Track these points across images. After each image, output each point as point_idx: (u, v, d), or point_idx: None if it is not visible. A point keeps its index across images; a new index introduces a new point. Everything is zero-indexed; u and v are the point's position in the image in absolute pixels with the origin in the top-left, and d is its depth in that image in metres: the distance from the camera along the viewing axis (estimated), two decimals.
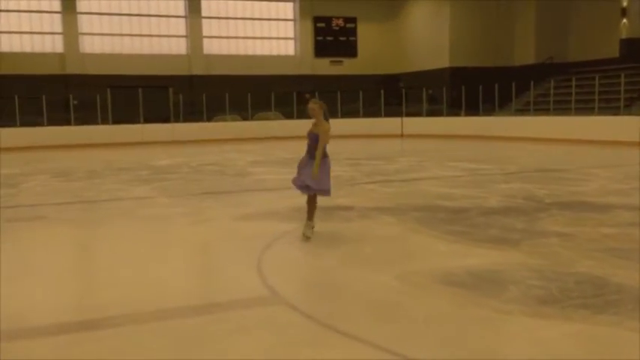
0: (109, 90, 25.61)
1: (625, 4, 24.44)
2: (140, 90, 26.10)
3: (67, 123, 24.96)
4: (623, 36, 24.68)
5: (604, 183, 10.03)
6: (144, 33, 28.59)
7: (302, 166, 6.37)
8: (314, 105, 6.36)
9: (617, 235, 6.06)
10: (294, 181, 6.41)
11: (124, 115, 25.47)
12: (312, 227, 6.36)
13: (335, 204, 8.55)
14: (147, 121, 26.01)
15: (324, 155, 6.31)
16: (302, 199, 9.15)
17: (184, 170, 14.09)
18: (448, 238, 6.15)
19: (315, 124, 6.43)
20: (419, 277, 4.78)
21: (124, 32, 28.26)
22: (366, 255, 5.68)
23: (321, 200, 8.92)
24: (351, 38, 31.87)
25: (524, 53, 27.89)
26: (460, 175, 11.70)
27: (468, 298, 4.26)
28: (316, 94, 28.57)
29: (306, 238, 6.20)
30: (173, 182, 11.77)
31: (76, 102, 25.50)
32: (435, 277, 4.75)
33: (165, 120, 26.96)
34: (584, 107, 21.26)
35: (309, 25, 31.14)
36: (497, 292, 4.32)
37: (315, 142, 6.28)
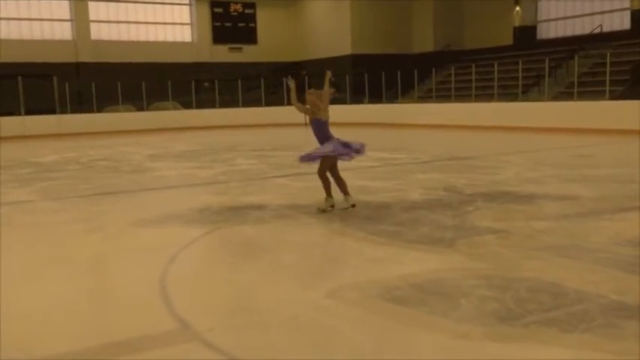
0: None
1: None
2: (20, 79, 23.77)
3: None
4: (517, 24, 25.42)
5: (518, 171, 9.88)
6: (23, 16, 26.07)
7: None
8: (312, 97, 6.80)
9: (552, 231, 5.70)
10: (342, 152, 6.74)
11: (1, 107, 23.09)
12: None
13: (246, 202, 7.78)
14: (29, 112, 23.75)
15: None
16: (206, 199, 8.31)
17: (73, 167, 12.71)
18: (377, 240, 5.54)
19: (315, 112, 6.75)
20: (355, 293, 4.11)
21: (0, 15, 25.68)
22: (288, 265, 4.95)
23: (229, 199, 8.12)
24: (251, 24, 30.86)
25: (423, 41, 28.13)
26: (374, 166, 11.21)
27: (417, 318, 3.65)
28: (215, 81, 27.42)
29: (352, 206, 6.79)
30: (59, 182, 10.46)
31: None
32: (374, 293, 4.10)
33: (50, 111, 24.77)
34: (483, 94, 21.64)
35: (205, 10, 29.79)
36: (448, 309, 3.74)
37: (327, 125, 6.84)
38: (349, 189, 7.10)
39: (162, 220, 6.89)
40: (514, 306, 3.74)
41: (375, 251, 5.22)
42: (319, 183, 9.48)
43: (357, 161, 12.07)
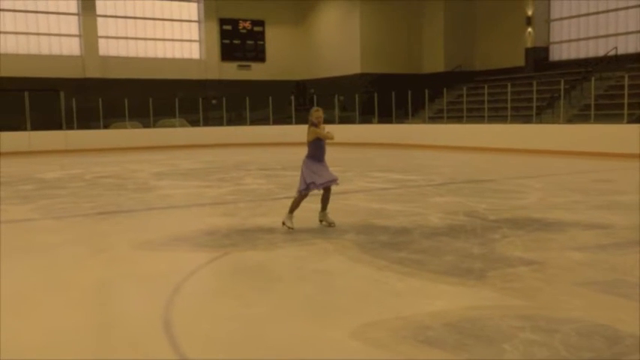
0: None
1: (530, 13, 24.86)
2: (27, 94, 23.57)
3: None
4: (529, 45, 25.11)
5: (541, 196, 9.43)
6: (31, 31, 25.94)
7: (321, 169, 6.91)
8: (320, 112, 6.92)
9: (591, 263, 5.25)
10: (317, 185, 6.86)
11: (7, 122, 22.86)
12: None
13: (255, 224, 7.36)
14: (35, 128, 23.51)
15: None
16: (214, 220, 7.88)
17: (77, 184, 12.34)
18: (401, 270, 5.10)
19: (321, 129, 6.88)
20: (382, 333, 3.66)
21: (8, 30, 25.52)
22: (305, 299, 4.51)
23: (237, 221, 7.68)
24: (259, 42, 30.70)
25: (434, 61, 27.86)
26: (388, 188, 10.79)
27: None
28: (223, 99, 27.17)
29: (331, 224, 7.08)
30: (62, 200, 10.07)
31: None
32: (403, 333, 3.65)
33: (57, 127, 24.54)
34: (495, 115, 21.25)
35: (214, 28, 29.65)
36: (491, 356, 3.28)
37: (325, 144, 6.95)
38: (364, 214, 6.70)
39: (168, 243, 6.47)
40: (566, 353, 3.28)
41: (400, 283, 4.77)
42: (332, 204, 9.10)
43: (369, 182, 11.71)
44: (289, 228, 6.83)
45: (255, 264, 5.60)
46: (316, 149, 6.89)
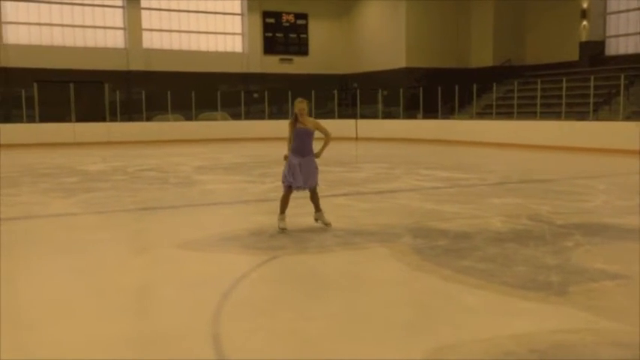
0: (35, 85, 23.14)
1: (585, 5, 23.79)
2: (72, 85, 23.74)
3: None
4: (583, 39, 24.05)
5: (607, 198, 8.78)
6: (76, 23, 26.10)
7: (301, 168, 6.64)
8: (303, 104, 6.59)
9: None
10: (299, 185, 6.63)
11: (52, 113, 23.05)
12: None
13: (305, 225, 6.93)
14: (79, 119, 23.66)
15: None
16: (259, 219, 7.49)
17: (119, 177, 12.16)
18: (469, 282, 4.61)
19: (302, 122, 6.59)
20: (460, 358, 3.20)
21: (54, 22, 25.71)
22: (366, 312, 4.06)
23: (287, 222, 7.28)
24: (302, 35, 30.27)
25: (482, 55, 26.98)
26: (440, 187, 10.25)
27: None
28: (265, 92, 26.91)
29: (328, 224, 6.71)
30: (104, 193, 9.86)
31: None
32: (484, 358, 3.18)
33: (101, 119, 24.68)
34: (548, 111, 20.39)
35: (257, 21, 29.34)
36: None
37: (310, 136, 6.64)
38: (418, 216, 6.20)
39: (213, 244, 6.12)
40: None
41: (470, 297, 4.29)
42: (383, 203, 8.66)
43: (418, 181, 11.19)
44: (282, 229, 6.50)
45: (308, 269, 5.19)
46: (297, 141, 6.62)
